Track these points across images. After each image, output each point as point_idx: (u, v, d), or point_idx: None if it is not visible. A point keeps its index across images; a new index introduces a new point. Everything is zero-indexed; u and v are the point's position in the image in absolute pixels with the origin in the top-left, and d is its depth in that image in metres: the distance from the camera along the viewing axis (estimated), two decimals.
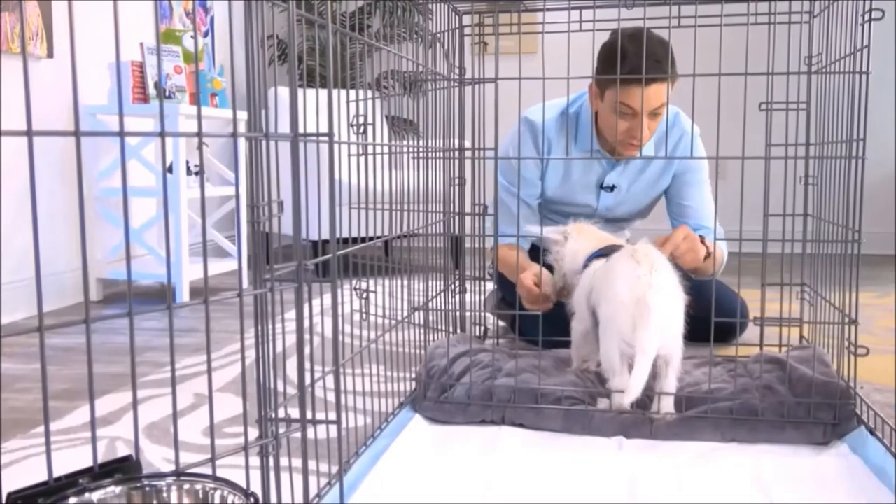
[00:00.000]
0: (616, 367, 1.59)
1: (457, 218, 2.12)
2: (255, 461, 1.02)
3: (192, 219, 3.62)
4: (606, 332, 1.60)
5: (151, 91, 3.16)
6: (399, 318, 1.79)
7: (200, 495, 0.92)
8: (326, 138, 1.04)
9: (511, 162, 2.20)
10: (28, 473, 1.43)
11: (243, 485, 0.94)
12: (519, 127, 1.91)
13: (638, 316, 1.53)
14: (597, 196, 2.31)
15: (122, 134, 0.80)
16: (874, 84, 1.53)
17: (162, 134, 0.84)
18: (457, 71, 2.08)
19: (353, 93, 2.10)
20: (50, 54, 2.96)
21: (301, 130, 1.03)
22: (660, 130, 2.20)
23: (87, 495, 0.87)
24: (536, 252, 2.12)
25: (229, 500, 0.92)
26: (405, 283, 1.94)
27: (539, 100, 1.91)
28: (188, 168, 3.45)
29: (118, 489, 0.89)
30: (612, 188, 2.29)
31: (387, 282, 1.92)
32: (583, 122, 2.24)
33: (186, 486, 0.92)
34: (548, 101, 2.15)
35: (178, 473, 0.93)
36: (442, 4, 2.03)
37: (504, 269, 2.23)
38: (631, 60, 1.86)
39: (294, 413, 1.05)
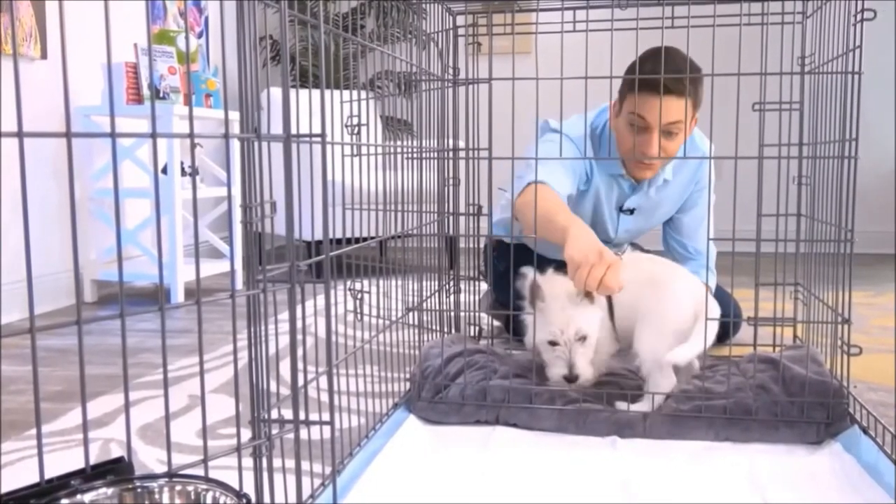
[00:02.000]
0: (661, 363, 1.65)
1: (451, 218, 2.12)
2: (248, 462, 1.02)
3: (186, 219, 3.61)
4: (664, 332, 1.65)
5: (146, 92, 3.16)
6: (393, 318, 1.80)
7: (192, 496, 0.92)
8: (319, 139, 1.04)
9: (555, 143, 1.99)
10: (23, 475, 1.43)
11: (236, 486, 0.94)
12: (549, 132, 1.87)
13: (698, 315, 1.64)
14: (617, 218, 2.25)
15: (113, 135, 0.80)
16: (868, 84, 1.54)
17: (153, 135, 0.84)
18: (451, 71, 2.08)
19: (347, 93, 2.11)
20: (44, 55, 2.96)
21: (295, 131, 1.03)
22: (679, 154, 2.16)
23: (78, 497, 0.87)
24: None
25: (221, 501, 0.92)
26: (400, 283, 1.94)
27: (532, 99, 1.91)
28: (183, 169, 3.44)
29: (110, 490, 0.89)
30: (631, 211, 2.24)
31: (381, 282, 1.92)
32: (606, 141, 2.18)
33: (178, 488, 0.92)
34: (571, 118, 2.11)
35: (171, 475, 0.93)
36: (436, 5, 2.03)
37: (536, 220, 1.80)
38: (650, 70, 1.82)
39: (287, 414, 1.05)
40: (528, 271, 1.73)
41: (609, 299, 1.74)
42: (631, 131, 1.98)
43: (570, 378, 1.66)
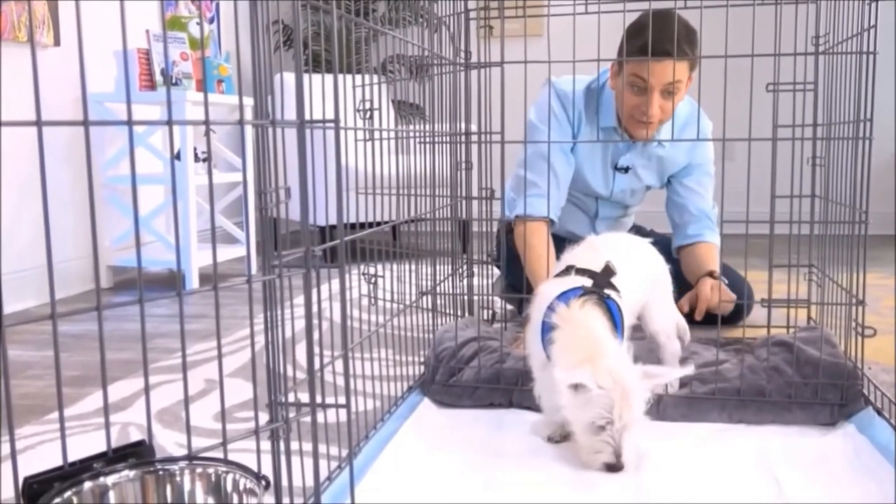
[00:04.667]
0: None
1: (464, 202, 2.12)
2: (266, 445, 1.03)
3: (200, 205, 3.63)
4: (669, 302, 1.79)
5: (158, 78, 3.16)
6: (407, 302, 1.80)
7: (213, 479, 0.93)
8: (333, 124, 1.04)
9: (540, 131, 2.14)
10: (42, 459, 1.45)
11: (255, 468, 0.96)
12: (549, 99, 1.91)
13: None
14: (612, 177, 2.29)
15: (129, 123, 0.80)
16: (882, 65, 1.52)
17: (169, 122, 0.84)
18: (462, 55, 2.07)
19: (359, 78, 2.10)
20: (56, 42, 2.97)
21: (308, 116, 1.03)
22: (678, 125, 2.17)
23: (101, 479, 0.88)
24: (559, 242, 1.99)
25: (241, 484, 0.93)
26: (413, 267, 1.94)
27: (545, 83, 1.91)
28: (196, 155, 3.45)
29: (132, 473, 0.91)
30: (626, 170, 2.27)
31: (395, 266, 1.93)
32: (605, 98, 2.21)
33: (199, 470, 0.94)
34: (574, 75, 2.14)
35: (191, 457, 0.94)
36: None
37: (525, 253, 2.08)
38: (648, 34, 1.82)
39: (304, 397, 1.06)
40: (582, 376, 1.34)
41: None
42: (631, 91, 2.03)
43: (618, 467, 1.34)
